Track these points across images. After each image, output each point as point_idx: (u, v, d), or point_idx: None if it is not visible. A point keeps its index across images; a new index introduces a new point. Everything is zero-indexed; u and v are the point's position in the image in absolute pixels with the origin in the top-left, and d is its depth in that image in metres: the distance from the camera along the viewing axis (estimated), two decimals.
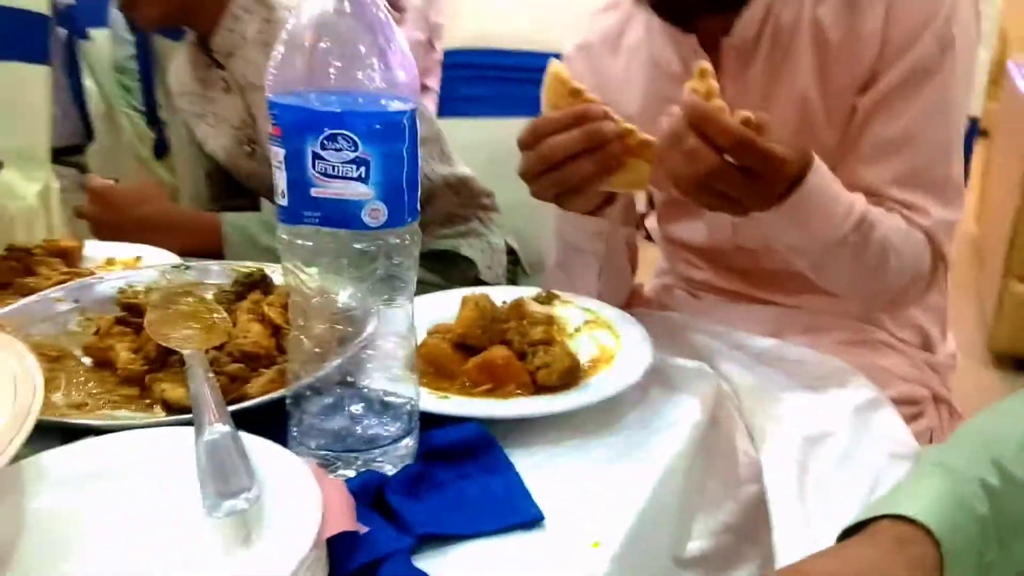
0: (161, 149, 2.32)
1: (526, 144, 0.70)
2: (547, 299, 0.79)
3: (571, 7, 1.05)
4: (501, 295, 0.75)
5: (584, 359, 0.68)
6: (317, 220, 0.47)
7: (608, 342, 0.72)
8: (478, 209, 1.27)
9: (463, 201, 1.25)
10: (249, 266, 0.78)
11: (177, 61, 1.28)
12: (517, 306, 0.72)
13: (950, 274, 0.92)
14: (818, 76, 0.82)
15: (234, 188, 1.32)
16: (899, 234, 0.80)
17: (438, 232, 1.22)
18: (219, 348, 0.63)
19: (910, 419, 0.84)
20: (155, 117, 2.31)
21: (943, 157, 0.82)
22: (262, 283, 0.74)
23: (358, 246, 0.48)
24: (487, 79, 1.32)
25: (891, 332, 0.92)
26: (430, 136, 1.19)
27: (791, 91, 0.83)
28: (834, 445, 0.68)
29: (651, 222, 1.10)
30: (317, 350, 0.51)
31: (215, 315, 0.68)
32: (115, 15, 2.20)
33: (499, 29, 1.34)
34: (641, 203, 1.12)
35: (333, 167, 0.46)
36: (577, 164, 0.68)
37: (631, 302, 1.02)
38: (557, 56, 1.01)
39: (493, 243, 1.27)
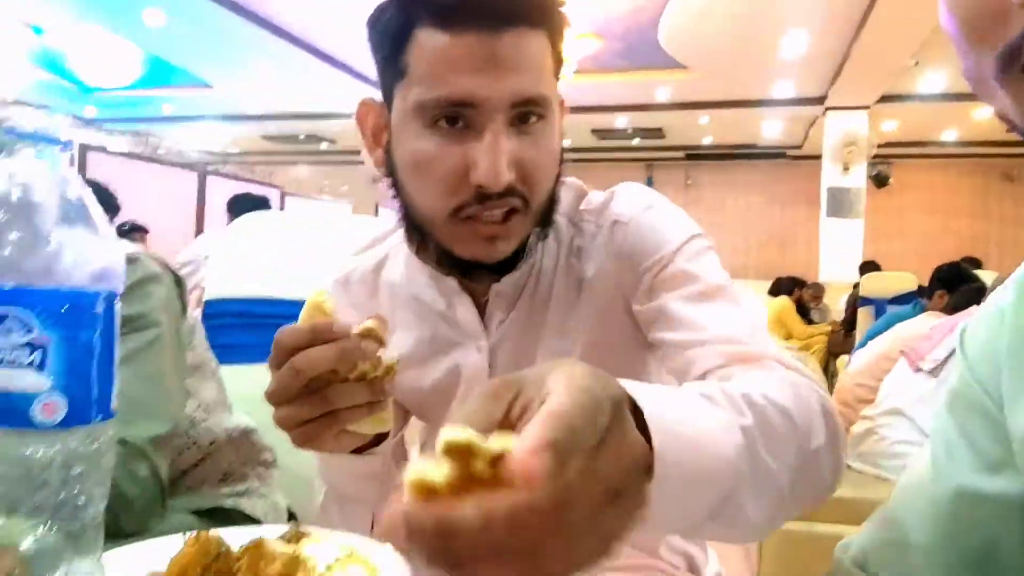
0: None
1: (275, 361, 0.63)
2: (295, 537, 0.70)
3: (331, 258, 1.07)
4: (240, 537, 0.65)
5: None
6: None
7: None
8: (258, 465, 1.17)
9: (242, 458, 1.15)
10: None
11: None
12: (256, 546, 0.63)
13: None
14: (575, 318, 0.85)
15: None
16: (754, 379, 0.63)
17: (213, 492, 1.10)
18: None
19: None
20: None
21: (741, 315, 0.77)
22: None
23: (27, 451, 0.40)
24: (244, 327, 1.29)
25: (662, 558, 0.91)
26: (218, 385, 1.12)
27: (552, 334, 0.85)
28: None
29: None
30: None
31: None
32: None
33: (257, 279, 1.34)
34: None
35: None
36: (346, 388, 0.62)
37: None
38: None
39: (274, 502, 1.16)
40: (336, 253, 1.03)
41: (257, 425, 1.19)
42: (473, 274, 0.82)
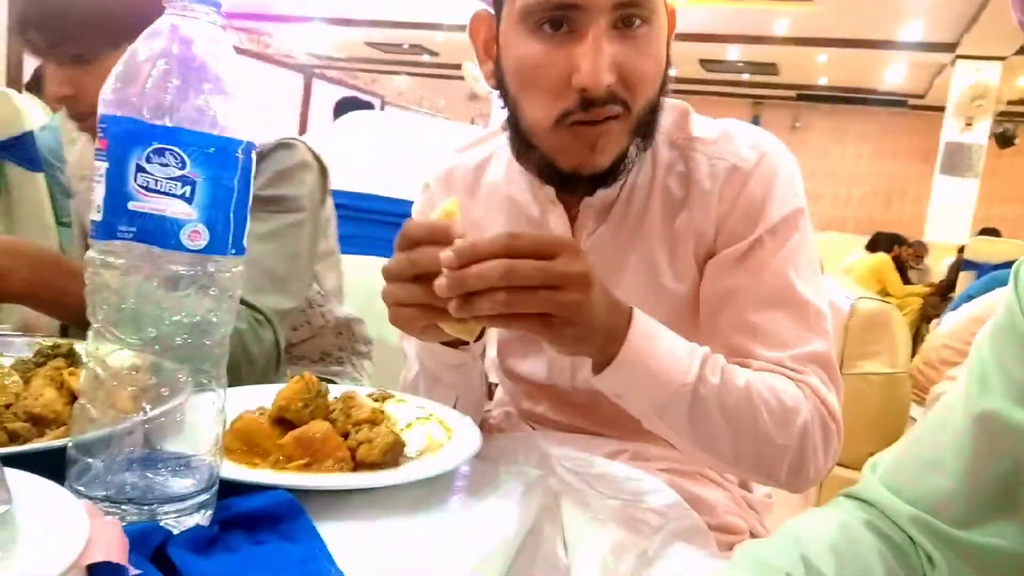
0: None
1: (398, 244, 0.68)
2: (381, 397, 0.77)
3: (430, 159, 1.11)
4: (336, 391, 0.73)
5: (412, 449, 0.66)
6: (132, 235, 0.45)
7: (439, 436, 0.71)
8: (353, 355, 1.26)
9: (342, 343, 1.24)
10: (59, 341, 0.73)
11: (80, 144, 1.25)
12: (347, 396, 0.70)
13: None
14: (666, 240, 0.87)
15: None
16: (763, 381, 0.76)
17: (311, 367, 1.20)
18: (8, 407, 0.57)
19: (725, 547, 0.85)
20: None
21: (801, 320, 0.81)
22: (68, 356, 0.68)
23: (173, 267, 0.47)
24: (345, 219, 1.36)
25: (713, 468, 0.95)
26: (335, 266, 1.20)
27: (641, 252, 0.88)
28: (641, 552, 0.68)
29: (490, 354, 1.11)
30: (110, 413, 0.47)
31: (4, 378, 0.62)
32: None
33: (359, 175, 1.40)
34: None
35: (156, 181, 0.45)
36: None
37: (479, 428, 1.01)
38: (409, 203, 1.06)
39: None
40: (436, 153, 1.07)
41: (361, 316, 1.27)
42: (570, 187, 0.84)
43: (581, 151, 0.78)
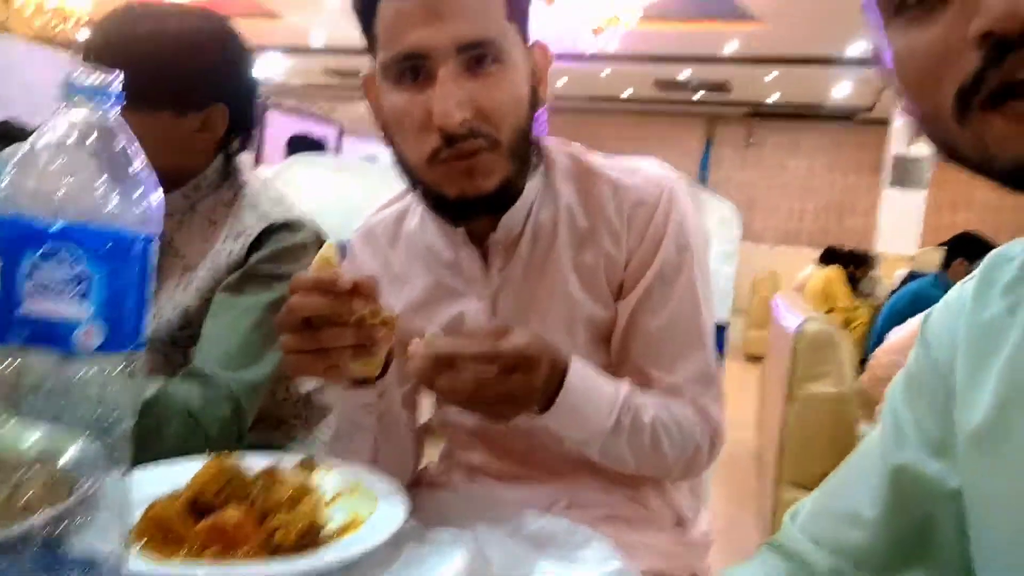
0: None
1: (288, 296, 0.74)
2: (307, 466, 0.77)
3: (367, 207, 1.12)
4: (260, 463, 0.72)
5: (334, 525, 0.66)
6: (23, 339, 0.45)
7: (364, 510, 0.70)
8: (309, 423, 1.26)
9: (298, 412, 1.24)
10: None
11: None
12: (268, 472, 0.70)
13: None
14: (578, 270, 0.92)
15: None
16: (669, 415, 0.88)
17: (265, 435, 1.18)
18: None
19: None
20: None
21: (702, 348, 0.92)
22: None
23: (68, 372, 0.46)
24: None
25: (651, 510, 0.96)
26: None
27: (556, 284, 0.92)
28: None
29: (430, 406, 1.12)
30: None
31: None
32: None
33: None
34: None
35: (48, 283, 0.45)
36: (336, 331, 0.72)
37: (417, 485, 1.01)
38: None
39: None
40: (371, 204, 1.10)
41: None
42: (474, 220, 0.89)
43: (460, 179, 0.83)
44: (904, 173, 8.96)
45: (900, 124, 8.95)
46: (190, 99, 1.06)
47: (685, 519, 1.00)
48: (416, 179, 0.87)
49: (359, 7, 0.85)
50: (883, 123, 9.58)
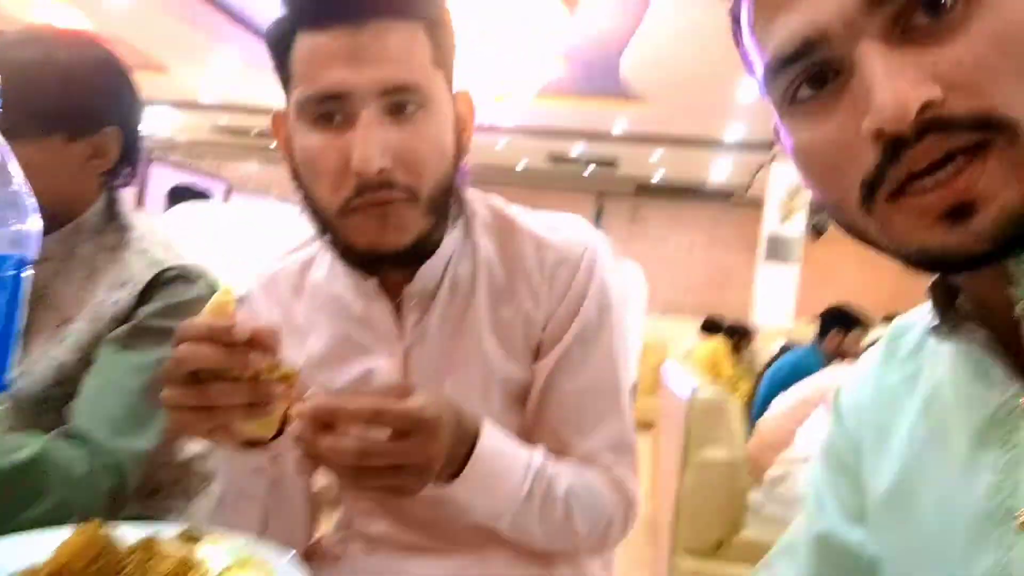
0: None
1: (174, 346, 0.66)
2: (190, 538, 0.68)
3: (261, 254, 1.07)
4: (136, 534, 0.64)
5: None
6: None
7: None
8: (187, 492, 1.15)
9: (176, 477, 1.12)
10: None
11: None
12: (146, 544, 0.61)
13: (629, 552, 0.97)
14: (495, 327, 0.88)
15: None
16: (584, 485, 0.85)
17: (136, 504, 1.07)
18: None
19: None
20: None
21: (619, 413, 0.89)
22: None
23: None
24: None
25: (557, 571, 0.92)
26: None
27: (471, 341, 0.88)
28: None
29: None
30: None
31: None
32: None
33: None
34: None
35: None
36: (227, 387, 0.65)
37: (310, 557, 0.93)
38: None
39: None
40: (265, 250, 1.04)
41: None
42: (386, 272, 0.85)
43: (372, 231, 0.78)
44: (778, 250, 9.53)
45: (773, 204, 9.57)
46: (84, 122, 1.00)
47: None
48: (326, 226, 0.82)
49: (273, 39, 0.80)
50: (758, 204, 10.21)
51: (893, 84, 0.42)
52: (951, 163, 0.42)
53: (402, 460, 0.67)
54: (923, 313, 0.56)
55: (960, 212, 0.42)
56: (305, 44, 0.76)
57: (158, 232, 1.08)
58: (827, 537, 0.60)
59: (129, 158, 1.06)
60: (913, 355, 0.57)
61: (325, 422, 0.65)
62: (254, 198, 8.41)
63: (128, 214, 1.07)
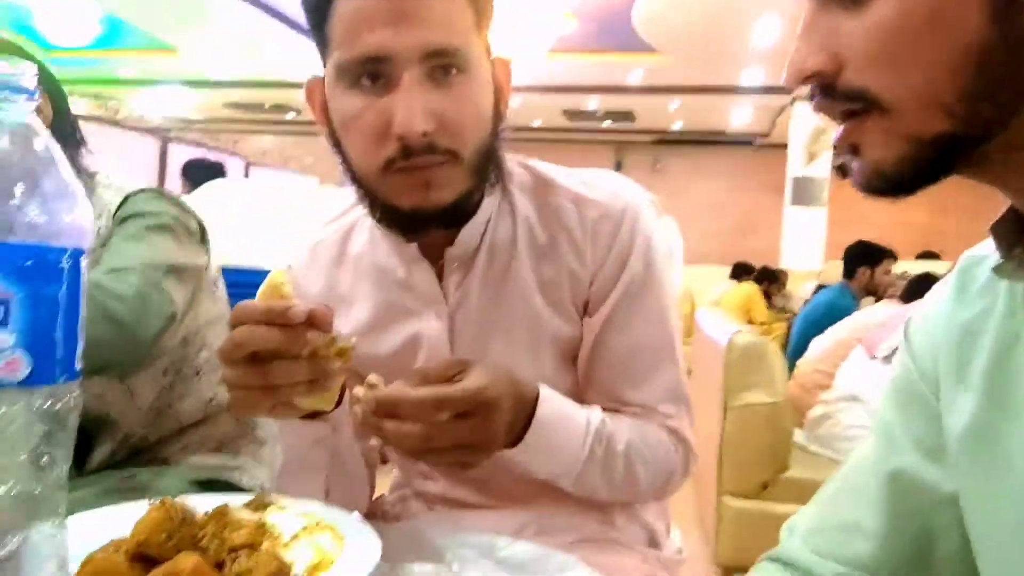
0: None
1: (231, 325, 0.67)
2: (259, 505, 0.69)
3: (293, 228, 1.08)
4: (208, 504, 0.65)
5: (301, 566, 0.59)
6: None
7: (330, 547, 0.63)
8: (252, 442, 1.18)
9: (238, 431, 1.16)
10: None
11: None
12: (219, 513, 0.62)
13: (674, 497, 0.97)
14: (541, 287, 0.87)
15: None
16: (643, 439, 0.84)
17: (209, 460, 1.12)
18: None
19: None
20: None
21: (673, 364, 0.89)
22: None
23: None
24: None
25: (622, 531, 0.93)
26: None
27: (518, 302, 0.87)
28: None
29: None
30: None
31: None
32: None
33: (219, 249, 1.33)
34: None
35: None
36: (287, 365, 0.66)
37: (370, 518, 0.94)
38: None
39: (262, 480, 1.16)
40: (300, 223, 1.04)
41: None
42: (427, 234, 0.84)
43: (415, 191, 0.78)
44: (804, 193, 9.39)
45: (796, 147, 9.40)
46: None
47: (657, 538, 0.96)
48: (367, 189, 0.81)
49: (311, 3, 0.78)
50: (781, 148, 10.03)
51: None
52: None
53: (465, 440, 0.68)
54: (992, 247, 0.54)
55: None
56: (347, 6, 0.75)
57: (122, 176, 1.16)
58: (901, 474, 0.59)
59: (63, 120, 1.13)
60: (986, 289, 0.56)
61: (387, 409, 0.67)
62: (272, 171, 8.42)
63: (90, 166, 1.15)
